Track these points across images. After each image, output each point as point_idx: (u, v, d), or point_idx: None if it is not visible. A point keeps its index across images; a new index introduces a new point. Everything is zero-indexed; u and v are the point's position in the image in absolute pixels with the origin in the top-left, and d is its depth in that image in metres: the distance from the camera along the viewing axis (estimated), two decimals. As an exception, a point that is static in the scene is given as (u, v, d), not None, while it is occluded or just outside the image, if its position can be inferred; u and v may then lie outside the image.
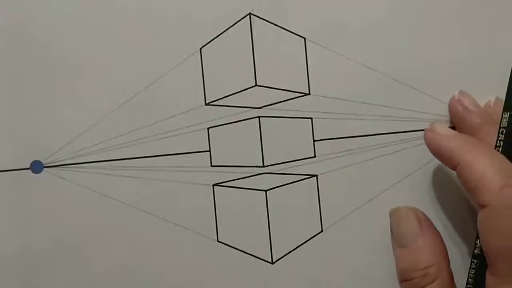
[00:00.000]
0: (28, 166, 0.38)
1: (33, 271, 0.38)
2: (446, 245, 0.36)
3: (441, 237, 0.36)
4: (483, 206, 0.31)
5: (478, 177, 0.31)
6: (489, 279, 0.32)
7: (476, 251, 0.34)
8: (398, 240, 0.36)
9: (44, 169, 0.38)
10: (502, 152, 0.33)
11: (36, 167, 0.38)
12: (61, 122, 0.39)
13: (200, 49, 0.38)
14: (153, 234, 0.39)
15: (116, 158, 0.39)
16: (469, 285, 0.34)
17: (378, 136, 0.39)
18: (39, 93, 0.39)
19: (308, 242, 0.39)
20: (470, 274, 0.34)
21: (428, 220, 0.36)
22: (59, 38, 0.39)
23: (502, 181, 0.30)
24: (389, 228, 0.38)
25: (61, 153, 0.38)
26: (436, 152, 0.35)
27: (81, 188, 0.38)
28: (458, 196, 0.38)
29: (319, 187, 0.39)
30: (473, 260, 0.34)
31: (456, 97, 0.38)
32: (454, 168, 0.33)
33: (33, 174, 0.38)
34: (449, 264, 0.35)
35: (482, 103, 0.38)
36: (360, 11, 0.39)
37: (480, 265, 0.33)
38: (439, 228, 0.37)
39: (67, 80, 0.39)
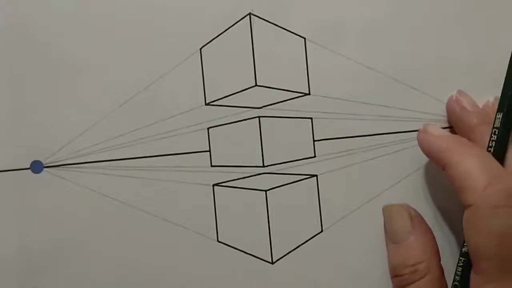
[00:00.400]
0: (28, 166, 0.39)
1: (33, 271, 0.39)
2: (445, 245, 0.36)
3: (432, 234, 0.37)
4: (467, 206, 0.32)
5: (464, 177, 0.32)
6: (473, 278, 0.32)
7: (463, 249, 0.34)
8: (390, 237, 0.37)
9: (44, 169, 0.39)
10: (494, 152, 0.34)
11: (36, 167, 0.39)
12: (61, 122, 0.39)
13: (200, 49, 0.39)
14: (153, 234, 0.39)
15: (116, 158, 0.39)
16: (455, 283, 0.34)
17: (378, 136, 0.39)
18: (39, 93, 0.39)
19: (308, 242, 0.39)
20: (457, 272, 0.35)
21: (419, 217, 0.37)
22: (59, 38, 0.39)
23: (487, 181, 0.31)
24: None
25: (61, 153, 0.39)
26: (428, 153, 0.36)
27: (81, 188, 0.39)
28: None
29: (319, 187, 0.39)
30: (460, 258, 0.34)
31: (454, 97, 0.38)
32: (443, 168, 0.34)
33: (33, 174, 0.39)
34: (439, 260, 0.35)
35: (481, 103, 0.38)
36: (360, 11, 0.39)
37: (467, 263, 0.34)
38: (438, 227, 0.38)
39: (67, 80, 0.39)
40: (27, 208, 0.39)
